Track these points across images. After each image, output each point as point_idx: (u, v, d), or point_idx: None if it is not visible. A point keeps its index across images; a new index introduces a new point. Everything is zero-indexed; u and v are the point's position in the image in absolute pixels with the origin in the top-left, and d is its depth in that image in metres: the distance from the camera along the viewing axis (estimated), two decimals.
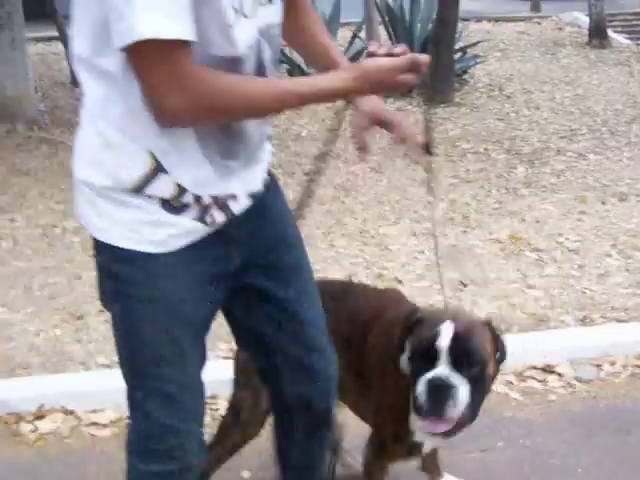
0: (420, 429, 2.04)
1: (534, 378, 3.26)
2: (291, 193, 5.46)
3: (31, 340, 3.64)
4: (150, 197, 1.65)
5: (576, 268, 4.29)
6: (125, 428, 2.95)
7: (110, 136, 1.62)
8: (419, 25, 9.01)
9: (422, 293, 3.93)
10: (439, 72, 7.86)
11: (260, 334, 1.96)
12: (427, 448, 2.24)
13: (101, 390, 3.08)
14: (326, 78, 1.65)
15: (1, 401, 3.12)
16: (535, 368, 3.32)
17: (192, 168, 1.65)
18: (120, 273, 1.72)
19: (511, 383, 3.26)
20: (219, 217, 1.73)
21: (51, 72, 10.26)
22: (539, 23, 12.86)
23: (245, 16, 1.57)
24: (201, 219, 1.70)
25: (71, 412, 3.09)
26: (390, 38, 9.26)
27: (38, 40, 11.49)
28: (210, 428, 3.04)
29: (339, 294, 2.34)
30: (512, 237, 4.72)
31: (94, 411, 3.07)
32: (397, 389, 2.09)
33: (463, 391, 1.91)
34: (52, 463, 2.84)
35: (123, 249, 1.68)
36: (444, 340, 1.92)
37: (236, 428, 2.39)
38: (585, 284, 4.10)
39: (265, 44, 1.66)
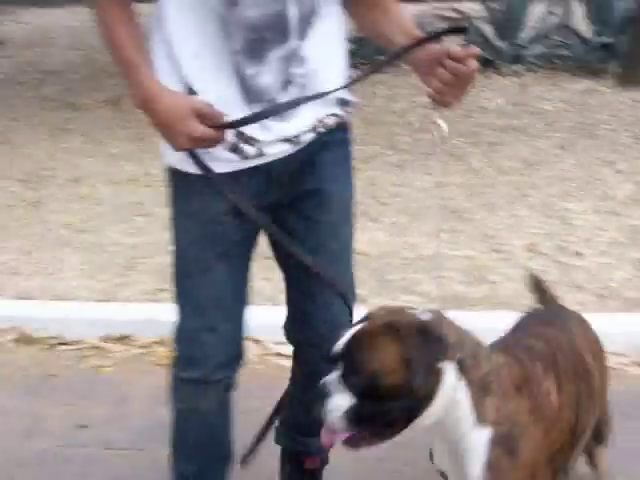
0: None
1: None
2: (473, 161, 5.55)
3: None
4: None
5: None
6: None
7: (160, 52, 1.86)
8: (622, 1, 8.64)
9: (602, 268, 3.93)
10: (637, 52, 7.59)
11: (283, 271, 2.19)
12: None
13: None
14: (145, 71, 1.81)
15: None
16: None
17: (221, 86, 1.81)
18: (170, 188, 1.96)
19: None
20: (250, 150, 1.86)
21: None
22: None
23: None
24: (233, 150, 1.85)
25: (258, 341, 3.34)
26: (588, 15, 8.97)
27: None
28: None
29: None
30: None
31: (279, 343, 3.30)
32: None
33: (338, 400, 1.72)
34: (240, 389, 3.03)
35: (171, 167, 1.92)
36: (338, 345, 1.76)
37: None
38: None
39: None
